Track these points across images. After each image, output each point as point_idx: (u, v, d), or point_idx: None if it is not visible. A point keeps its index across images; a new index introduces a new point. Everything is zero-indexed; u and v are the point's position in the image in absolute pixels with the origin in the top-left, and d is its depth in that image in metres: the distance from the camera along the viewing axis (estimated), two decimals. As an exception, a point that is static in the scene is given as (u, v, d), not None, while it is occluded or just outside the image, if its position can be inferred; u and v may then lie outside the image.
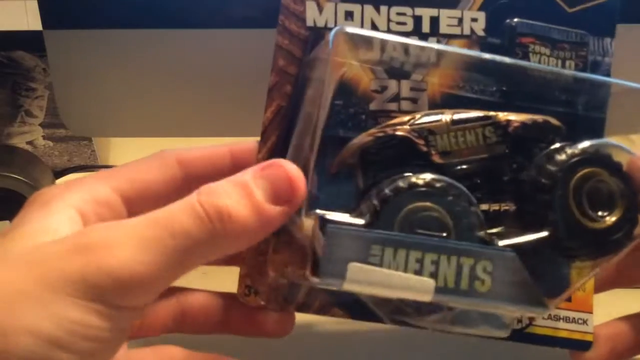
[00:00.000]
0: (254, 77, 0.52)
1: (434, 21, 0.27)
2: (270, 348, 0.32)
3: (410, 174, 0.25)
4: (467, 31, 0.27)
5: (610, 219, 0.26)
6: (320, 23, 0.26)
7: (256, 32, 0.49)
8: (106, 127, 0.55)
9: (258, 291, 0.29)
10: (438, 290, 0.23)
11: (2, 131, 0.67)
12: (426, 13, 0.26)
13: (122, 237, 0.22)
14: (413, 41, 0.27)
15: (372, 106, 0.27)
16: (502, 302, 0.24)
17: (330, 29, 0.25)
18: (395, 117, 0.27)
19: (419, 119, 0.26)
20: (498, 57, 0.26)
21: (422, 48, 0.26)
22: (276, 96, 0.28)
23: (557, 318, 0.29)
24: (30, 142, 0.68)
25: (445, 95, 0.26)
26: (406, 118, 0.26)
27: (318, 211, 0.25)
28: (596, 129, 0.28)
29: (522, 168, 0.27)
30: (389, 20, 0.26)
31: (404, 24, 0.26)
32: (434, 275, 0.23)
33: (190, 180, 0.29)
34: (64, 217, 0.25)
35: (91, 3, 0.48)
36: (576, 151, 0.26)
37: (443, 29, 0.27)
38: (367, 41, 0.26)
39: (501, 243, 0.25)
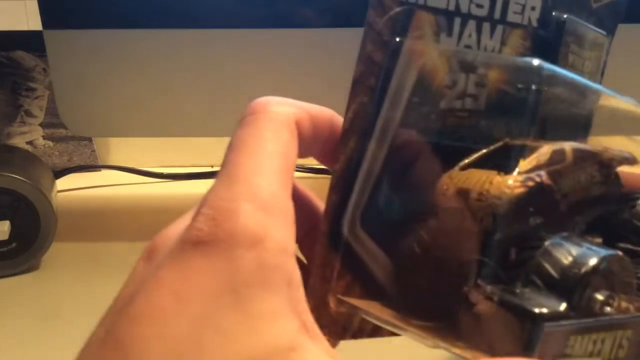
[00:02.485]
0: (254, 77, 0.52)
1: (505, 6, 0.25)
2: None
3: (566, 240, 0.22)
4: (525, 20, 0.25)
5: None
6: None
7: (257, 32, 0.49)
8: (106, 127, 0.55)
9: (321, 325, 0.26)
10: None
11: (2, 131, 0.67)
12: None
13: None
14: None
15: (442, 105, 0.23)
16: None
17: (420, 6, 0.22)
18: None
19: (548, 159, 0.22)
20: None
21: (491, 35, 0.24)
22: (360, 90, 0.22)
23: None
24: (30, 142, 0.68)
25: (500, 92, 0.23)
26: (538, 158, 0.22)
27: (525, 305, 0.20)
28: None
29: (617, 211, 0.25)
30: (470, 1, 0.24)
31: (481, 6, 0.24)
32: (600, 353, 0.22)
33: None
34: (282, 305, 0.18)
35: (91, 3, 0.49)
36: None
37: (510, 16, 0.25)
38: (449, 23, 0.23)
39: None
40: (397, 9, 0.23)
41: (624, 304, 0.23)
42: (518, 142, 0.22)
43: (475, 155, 0.22)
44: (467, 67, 0.23)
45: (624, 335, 0.23)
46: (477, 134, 0.23)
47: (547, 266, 0.21)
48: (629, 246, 0.24)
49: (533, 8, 0.25)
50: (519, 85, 0.23)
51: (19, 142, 0.68)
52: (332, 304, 0.24)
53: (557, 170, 0.22)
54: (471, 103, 0.23)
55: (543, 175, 0.22)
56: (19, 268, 0.48)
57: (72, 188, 0.64)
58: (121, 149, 0.70)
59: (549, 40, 0.26)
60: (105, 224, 0.56)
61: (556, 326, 0.20)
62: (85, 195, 0.64)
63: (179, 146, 0.67)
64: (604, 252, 0.22)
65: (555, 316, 0.20)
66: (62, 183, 0.61)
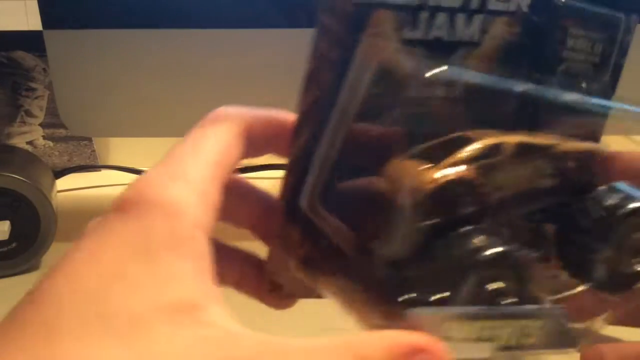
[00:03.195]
0: (254, 77, 0.52)
1: None
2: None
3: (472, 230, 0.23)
4: (513, 7, 0.25)
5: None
6: None
7: (258, 32, 0.49)
8: (106, 127, 0.55)
9: (282, 285, 0.28)
10: (497, 348, 0.23)
11: (2, 131, 0.67)
12: None
13: None
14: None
15: (408, 93, 0.23)
16: (542, 349, 0.24)
17: (377, 4, 0.22)
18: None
19: (480, 152, 0.22)
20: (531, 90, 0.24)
21: (468, 25, 0.24)
22: (313, 85, 0.23)
23: None
24: (30, 142, 0.68)
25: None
26: (467, 151, 0.22)
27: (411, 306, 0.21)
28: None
29: (567, 204, 0.25)
30: None
31: None
32: (493, 339, 0.23)
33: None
34: (190, 270, 0.19)
35: (91, 3, 0.49)
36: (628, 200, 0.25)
37: (491, 4, 0.24)
38: (414, 18, 0.23)
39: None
40: (351, 10, 0.22)
41: (534, 295, 0.23)
42: (471, 134, 0.23)
43: (426, 145, 0.22)
44: (438, 57, 0.23)
45: (533, 325, 0.23)
46: (450, 121, 0.24)
47: (446, 253, 0.22)
48: (581, 238, 0.25)
49: None
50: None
51: (19, 142, 0.68)
52: (292, 269, 0.26)
53: (488, 164, 0.23)
54: (445, 91, 0.24)
55: (462, 170, 0.22)
56: (19, 268, 0.49)
57: (72, 188, 0.64)
58: (121, 149, 0.70)
59: (542, 25, 0.25)
60: (105, 224, 0.56)
61: (425, 312, 0.21)
62: (85, 195, 0.64)
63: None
64: (505, 247, 0.22)
65: (423, 303, 0.22)
66: (62, 183, 0.61)
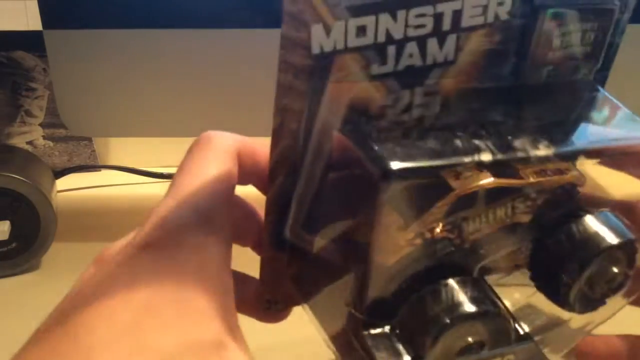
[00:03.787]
0: (254, 77, 0.52)
1: (456, 15, 0.23)
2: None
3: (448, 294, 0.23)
4: (491, 18, 0.24)
5: (611, 296, 0.26)
6: (328, 47, 0.22)
7: (256, 32, 0.49)
8: (106, 127, 0.55)
9: (278, 301, 0.29)
10: None
11: (2, 131, 0.67)
12: (448, 8, 0.23)
13: None
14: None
15: (383, 123, 0.23)
16: None
17: (340, 51, 0.22)
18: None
19: (455, 203, 0.22)
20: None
21: (441, 46, 0.23)
22: (282, 137, 0.24)
23: None
24: (30, 142, 0.68)
25: (460, 90, 0.24)
26: (441, 206, 0.22)
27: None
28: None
29: (542, 237, 0.25)
30: (406, 25, 0.22)
31: (423, 26, 0.23)
32: None
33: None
34: (217, 307, 0.20)
35: (91, 3, 0.49)
36: (601, 234, 0.25)
37: (465, 21, 0.23)
38: (382, 54, 0.22)
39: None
40: (311, 62, 0.22)
41: (509, 333, 0.24)
42: (448, 175, 0.22)
43: (401, 186, 0.21)
44: (411, 83, 0.23)
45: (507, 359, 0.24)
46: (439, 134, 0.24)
47: (419, 311, 0.22)
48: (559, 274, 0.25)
49: (501, 3, 0.24)
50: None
51: (19, 142, 0.68)
52: (285, 285, 0.27)
53: (463, 217, 0.23)
54: (421, 111, 0.24)
55: (437, 228, 0.22)
56: (19, 268, 0.49)
57: (72, 188, 0.64)
58: (121, 149, 0.70)
59: (525, 28, 0.25)
60: (105, 224, 0.56)
61: None
62: (85, 195, 0.64)
63: (179, 146, 0.67)
64: (477, 306, 0.22)
65: None
66: (62, 183, 0.61)
